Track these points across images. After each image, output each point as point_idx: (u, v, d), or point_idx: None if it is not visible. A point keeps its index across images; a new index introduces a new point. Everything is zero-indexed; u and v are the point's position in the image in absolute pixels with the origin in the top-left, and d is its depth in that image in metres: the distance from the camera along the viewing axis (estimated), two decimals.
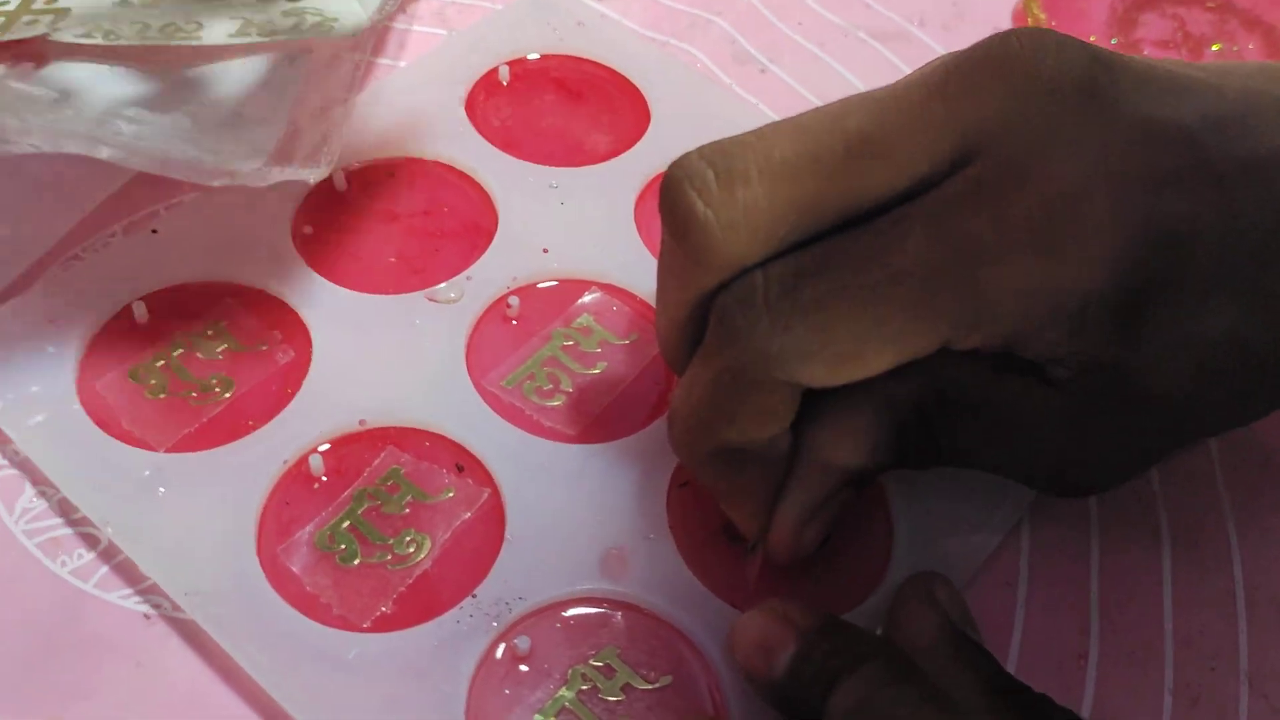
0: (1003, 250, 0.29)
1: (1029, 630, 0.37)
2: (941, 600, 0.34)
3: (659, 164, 0.47)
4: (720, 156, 0.30)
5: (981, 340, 0.31)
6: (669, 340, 0.34)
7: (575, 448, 0.39)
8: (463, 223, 0.45)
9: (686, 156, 0.30)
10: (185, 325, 0.41)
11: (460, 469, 0.38)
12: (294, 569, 0.36)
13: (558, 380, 0.41)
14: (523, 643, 0.34)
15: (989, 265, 0.29)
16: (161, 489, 0.37)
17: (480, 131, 0.48)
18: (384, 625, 0.35)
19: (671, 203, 0.30)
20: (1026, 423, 0.33)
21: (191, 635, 0.35)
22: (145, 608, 0.35)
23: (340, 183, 0.45)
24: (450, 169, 0.47)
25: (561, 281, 0.44)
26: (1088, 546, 0.40)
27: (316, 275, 0.42)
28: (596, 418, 0.40)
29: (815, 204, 0.30)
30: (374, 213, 0.45)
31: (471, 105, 0.49)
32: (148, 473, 0.37)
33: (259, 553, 0.36)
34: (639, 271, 0.43)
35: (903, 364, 0.31)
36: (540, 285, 0.43)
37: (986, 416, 0.34)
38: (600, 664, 0.35)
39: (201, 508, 0.36)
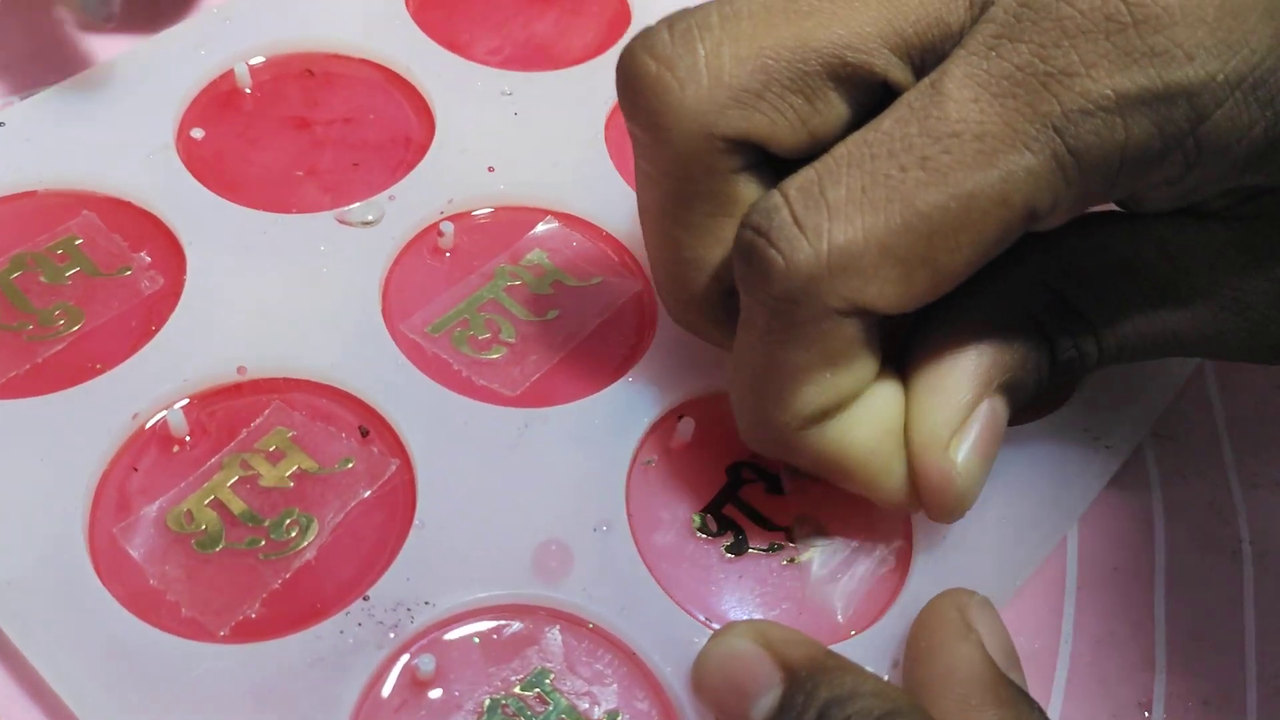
0: (1074, 70, 0.23)
1: (1078, 669, 0.30)
2: (979, 630, 0.26)
3: None
4: (680, 15, 0.26)
5: (1076, 194, 0.24)
6: (672, 279, 0.28)
7: (513, 411, 0.30)
8: (391, 133, 0.37)
9: (647, 27, 0.26)
10: (29, 241, 0.33)
11: (365, 433, 0.30)
12: (134, 555, 0.27)
13: (497, 328, 0.32)
14: (426, 663, 0.26)
15: (1062, 92, 0.23)
16: None
17: (421, 25, 0.39)
18: (245, 634, 0.27)
19: (624, 78, 0.26)
20: (1196, 270, 0.27)
21: None
22: None
23: (244, 79, 0.37)
24: (381, 68, 0.38)
25: (509, 208, 0.35)
26: (1151, 565, 0.32)
27: (200, 186, 0.34)
28: (544, 376, 0.32)
29: (797, 48, 0.25)
30: (282, 117, 0.37)
31: None
32: None
33: (90, 532, 0.28)
34: (607, 200, 0.35)
35: (988, 256, 0.25)
36: (482, 211, 0.35)
37: (1149, 277, 0.28)
38: (528, 693, 0.26)
39: (20, 471, 0.28)
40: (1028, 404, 0.29)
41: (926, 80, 0.24)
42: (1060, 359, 0.28)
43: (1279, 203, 0.26)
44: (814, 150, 0.26)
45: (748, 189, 0.27)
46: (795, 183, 0.25)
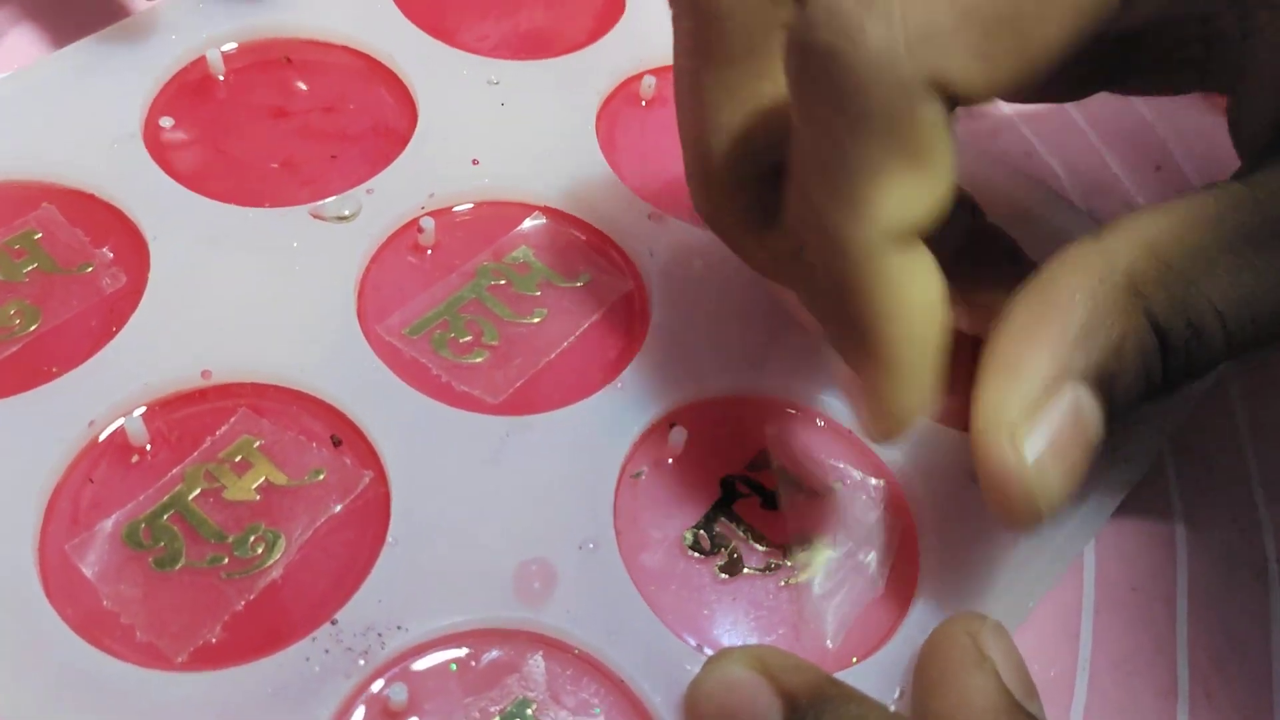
0: None
1: (1096, 697, 0.28)
2: (993, 658, 0.24)
3: (633, 61, 0.37)
4: None
5: None
6: (702, 157, 0.26)
7: (494, 420, 0.29)
8: (372, 123, 0.35)
9: None
10: None
11: (337, 443, 0.28)
12: (87, 573, 0.26)
13: (480, 331, 0.31)
14: (398, 693, 0.24)
15: None
16: None
17: (404, 10, 0.37)
18: (205, 660, 0.25)
19: None
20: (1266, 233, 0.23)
21: None
22: None
23: (217, 66, 0.35)
24: (361, 55, 0.37)
25: (493, 203, 0.33)
26: (1172, 586, 0.30)
27: (167, 178, 0.32)
28: (528, 382, 0.30)
29: None
30: (258, 106, 0.35)
31: None
32: None
33: (40, 549, 0.26)
34: (598, 195, 0.33)
35: (1080, 32, 0.21)
36: (464, 206, 0.33)
37: (1227, 256, 0.23)
38: None
39: None
40: (1136, 406, 0.24)
41: None
42: (1173, 344, 0.24)
43: None
44: None
45: None
46: None
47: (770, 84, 0.25)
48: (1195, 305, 0.23)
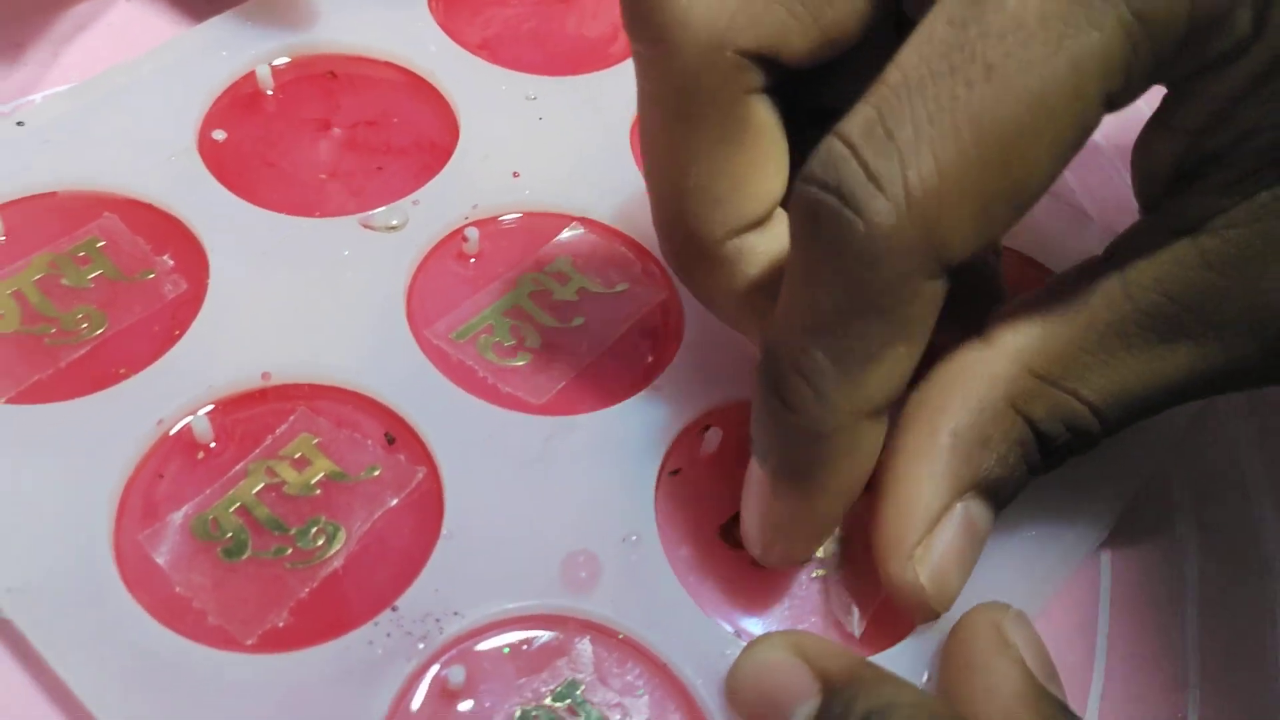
0: None
1: (1111, 687, 0.30)
2: (1017, 643, 0.26)
3: None
4: None
5: (1145, 66, 0.22)
6: (672, 213, 0.27)
7: (539, 420, 0.30)
8: (415, 138, 0.36)
9: None
10: (51, 243, 0.32)
11: (391, 441, 0.30)
12: (159, 562, 0.27)
13: (522, 335, 0.32)
14: (456, 674, 0.26)
15: None
16: None
17: (445, 28, 0.39)
18: (273, 643, 0.26)
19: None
20: (1206, 302, 0.25)
21: (14, 642, 0.26)
22: None
23: (266, 81, 0.36)
24: (405, 72, 0.38)
25: (534, 214, 0.35)
26: (1182, 583, 0.31)
27: (223, 189, 0.34)
28: (569, 384, 0.31)
29: None
30: (306, 120, 0.36)
31: None
32: None
33: (115, 539, 0.27)
34: (633, 206, 0.35)
35: (1065, 164, 0.22)
36: (507, 218, 0.35)
37: (1150, 325, 0.25)
38: (560, 704, 0.26)
39: (44, 476, 0.28)
40: (1019, 493, 0.27)
41: None
42: (1050, 445, 0.26)
43: (1261, 204, 0.24)
44: (827, 54, 0.24)
45: (760, 113, 0.25)
46: (856, 124, 0.22)
47: (737, 150, 0.25)
48: (1070, 409, 0.26)
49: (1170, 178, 0.26)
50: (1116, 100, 0.22)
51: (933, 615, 0.27)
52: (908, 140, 0.21)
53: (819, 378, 0.24)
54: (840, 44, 0.24)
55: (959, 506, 0.26)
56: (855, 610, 0.28)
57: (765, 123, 0.25)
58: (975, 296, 0.28)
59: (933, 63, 0.21)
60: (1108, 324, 0.26)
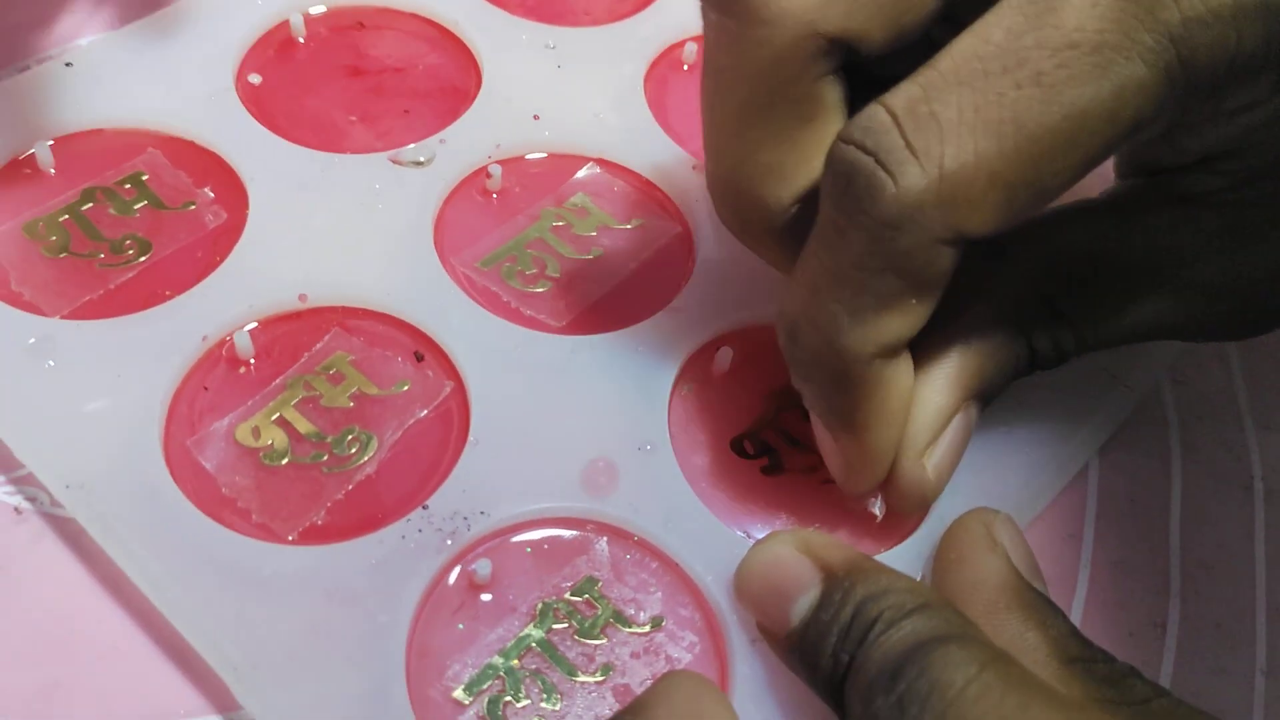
0: None
1: (1095, 591, 0.31)
2: (1004, 543, 0.27)
3: (677, 29, 0.41)
4: None
5: (1176, 108, 0.24)
6: (738, 184, 0.28)
7: (559, 338, 0.32)
8: (440, 84, 0.38)
9: None
10: (98, 176, 0.34)
11: (419, 358, 0.31)
12: (206, 466, 0.29)
13: (544, 265, 0.34)
14: (482, 568, 0.28)
15: None
16: (50, 361, 0.30)
17: None
18: (312, 538, 0.28)
19: None
20: (1179, 262, 0.28)
21: (72, 536, 0.28)
22: (18, 499, 0.29)
23: (298, 29, 0.38)
24: (430, 22, 0.40)
25: (554, 155, 0.37)
26: (1167, 496, 0.33)
27: (260, 127, 0.35)
28: (588, 309, 0.33)
29: None
30: (336, 66, 0.38)
31: None
32: (33, 340, 0.30)
33: (164, 444, 0.29)
34: (647, 147, 0.37)
35: (1087, 173, 0.24)
36: (529, 157, 0.37)
37: (1130, 272, 0.29)
38: (578, 598, 0.28)
39: (98, 386, 0.30)
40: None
41: None
42: (1039, 360, 0.29)
43: (1272, 187, 0.27)
44: (897, 46, 0.26)
45: (833, 94, 0.26)
46: (901, 99, 0.23)
47: (808, 128, 0.26)
48: (1061, 332, 0.29)
49: (1166, 168, 0.29)
50: (1143, 129, 0.24)
51: (922, 508, 0.29)
52: (950, 121, 0.23)
53: (830, 326, 0.25)
54: (910, 38, 0.26)
55: (962, 411, 0.28)
56: (877, 498, 0.30)
57: (835, 103, 0.26)
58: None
59: (986, 61, 0.23)
60: (1105, 263, 0.29)
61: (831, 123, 0.27)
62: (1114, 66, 0.23)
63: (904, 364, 0.27)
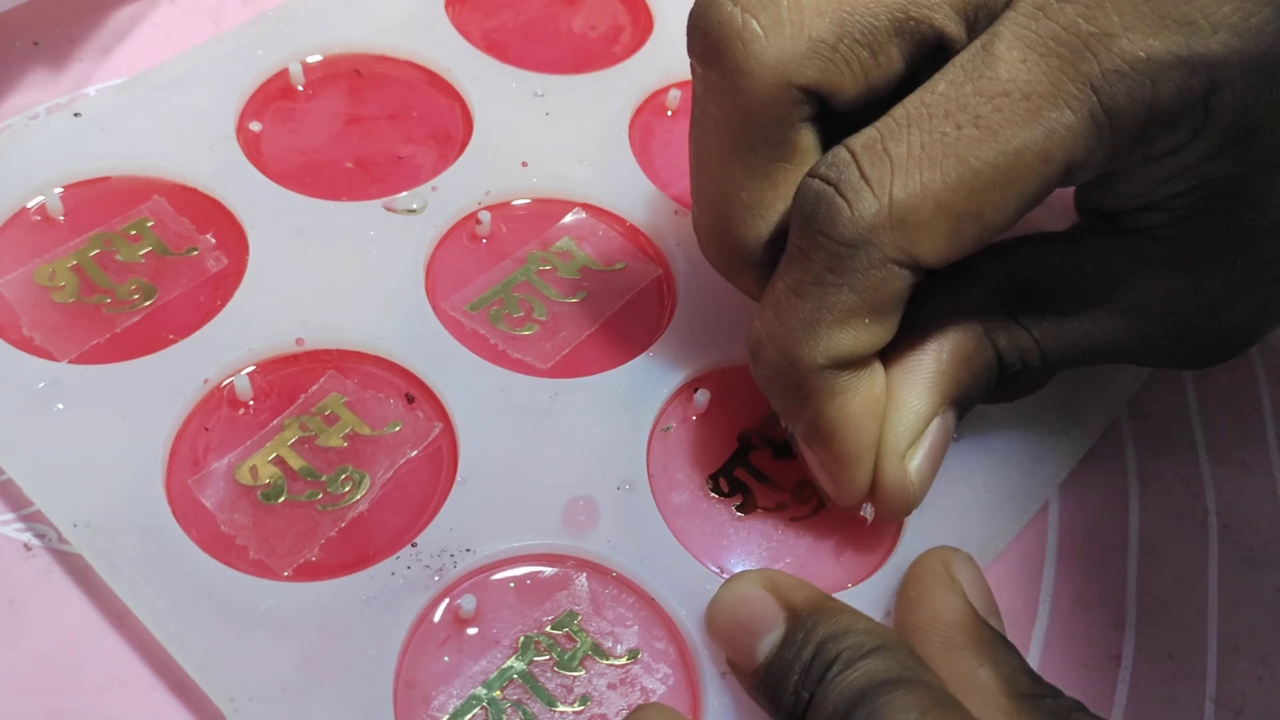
0: (1113, 31, 0.26)
1: (1055, 624, 0.33)
2: (962, 581, 0.29)
3: (660, 76, 0.42)
4: None
5: (1106, 150, 0.27)
6: (722, 221, 0.30)
7: (544, 381, 0.34)
8: (433, 131, 0.40)
9: None
10: (105, 222, 0.36)
11: (410, 400, 0.33)
12: (206, 504, 0.31)
13: (530, 308, 0.36)
14: (468, 603, 0.29)
15: (1101, 52, 0.26)
16: (59, 404, 0.31)
17: (460, 30, 0.43)
18: (307, 574, 0.30)
19: (704, 24, 0.28)
20: (1128, 287, 0.30)
21: (79, 571, 0.30)
22: (27, 536, 0.30)
23: (297, 77, 0.40)
24: (423, 70, 0.41)
25: (541, 200, 0.38)
26: (1125, 533, 0.35)
27: (259, 175, 0.37)
28: (572, 351, 0.35)
29: (869, 2, 0.27)
30: (332, 114, 0.40)
31: (452, 0, 0.44)
32: (43, 384, 0.32)
33: (167, 483, 0.31)
34: (631, 194, 0.38)
35: (1027, 210, 0.27)
36: (516, 202, 0.38)
37: (1085, 294, 0.31)
38: (558, 631, 0.29)
39: (104, 427, 0.31)
40: (975, 405, 0.32)
41: (978, 42, 0.27)
42: (1007, 371, 0.31)
43: (1209, 221, 0.29)
44: (868, 100, 0.28)
45: (808, 138, 0.29)
46: (860, 140, 0.27)
47: (786, 170, 0.29)
48: (1026, 343, 0.31)
49: (1114, 212, 0.31)
50: (1075, 171, 0.27)
51: (906, 512, 0.31)
52: (900, 158, 0.26)
53: (787, 340, 0.28)
54: (878, 94, 0.28)
55: (940, 417, 0.30)
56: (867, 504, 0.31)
57: (810, 147, 0.29)
58: None
59: (932, 107, 0.26)
60: (1061, 283, 0.31)
61: (806, 164, 0.29)
62: (1044, 111, 0.26)
63: (866, 376, 0.29)
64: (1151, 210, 0.30)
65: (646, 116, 0.41)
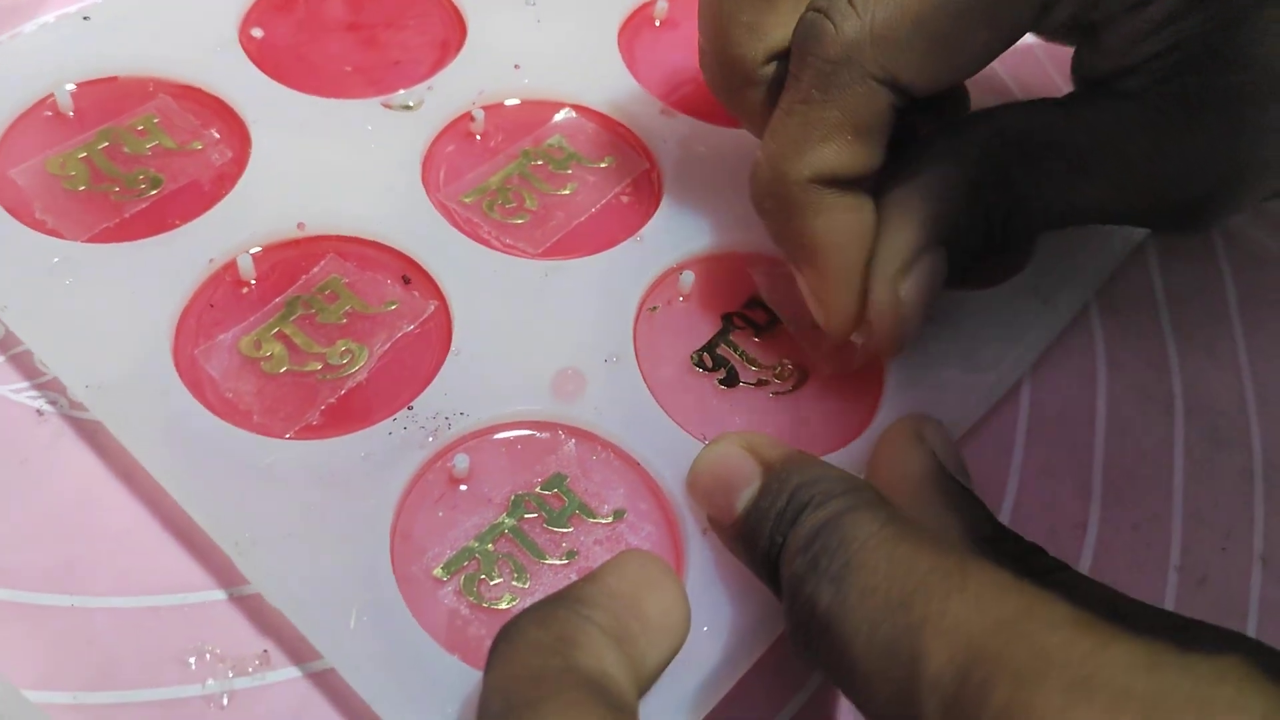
0: None
1: (1023, 494, 0.34)
2: (930, 440, 0.30)
3: None
4: None
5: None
6: (723, 41, 0.32)
7: (535, 263, 0.35)
8: (428, 37, 0.41)
9: None
10: (113, 118, 0.37)
11: (407, 281, 0.34)
12: (212, 373, 0.32)
13: (522, 199, 0.37)
14: (461, 462, 0.30)
15: None
16: (69, 279, 0.33)
17: None
18: (307, 435, 0.31)
19: None
20: (1110, 148, 0.32)
21: (89, 435, 0.31)
22: (40, 403, 0.32)
23: None
24: None
25: (532, 102, 0.40)
26: (1093, 410, 0.36)
27: (261, 74, 0.38)
28: (562, 238, 0.36)
29: None
30: (331, 21, 0.41)
31: None
32: (56, 260, 0.33)
33: (174, 353, 0.32)
34: (619, 95, 0.40)
35: (1003, 41, 0.30)
36: (509, 102, 0.40)
37: (1070, 153, 0.32)
38: (548, 492, 0.31)
39: (114, 302, 0.33)
40: (964, 263, 0.33)
41: None
42: (994, 220, 0.32)
43: (1184, 83, 0.31)
44: None
45: None
46: None
47: None
48: (1012, 197, 0.32)
49: (1098, 78, 0.33)
50: (1050, 7, 0.29)
51: (897, 339, 0.31)
52: None
53: (777, 155, 0.30)
54: None
55: (928, 251, 0.31)
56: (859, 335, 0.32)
57: None
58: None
59: None
60: (1052, 144, 0.32)
61: None
62: None
63: (853, 199, 0.30)
64: (1134, 74, 0.31)
65: (636, 25, 0.43)
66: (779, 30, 0.31)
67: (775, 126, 0.30)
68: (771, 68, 0.31)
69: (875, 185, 0.31)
